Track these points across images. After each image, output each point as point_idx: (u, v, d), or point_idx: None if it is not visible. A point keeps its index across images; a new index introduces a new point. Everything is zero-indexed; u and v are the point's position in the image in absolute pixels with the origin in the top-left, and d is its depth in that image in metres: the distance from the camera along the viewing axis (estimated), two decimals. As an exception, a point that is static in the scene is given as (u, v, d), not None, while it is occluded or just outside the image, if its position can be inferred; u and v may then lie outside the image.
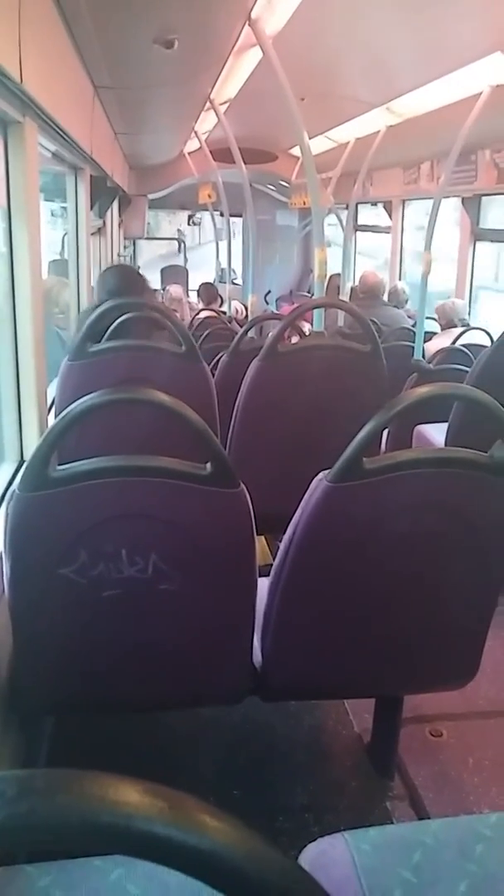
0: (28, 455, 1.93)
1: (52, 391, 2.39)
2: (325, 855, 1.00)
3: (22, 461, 2.14)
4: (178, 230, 10.31)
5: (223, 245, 6.95)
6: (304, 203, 5.24)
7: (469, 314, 4.83)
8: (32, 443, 2.11)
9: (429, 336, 4.38)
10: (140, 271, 3.17)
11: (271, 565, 1.43)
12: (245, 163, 4.49)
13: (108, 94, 3.55)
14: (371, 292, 5.24)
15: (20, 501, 1.22)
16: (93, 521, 1.24)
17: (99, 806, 0.37)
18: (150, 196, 7.67)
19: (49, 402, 2.36)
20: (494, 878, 0.95)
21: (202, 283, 7.18)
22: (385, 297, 5.49)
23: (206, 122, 5.26)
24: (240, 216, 7.89)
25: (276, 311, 7.51)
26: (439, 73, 3.29)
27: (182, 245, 10.17)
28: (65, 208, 3.72)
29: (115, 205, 5.79)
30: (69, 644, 1.34)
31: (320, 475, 1.33)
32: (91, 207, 3.88)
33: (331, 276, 6.20)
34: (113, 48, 2.80)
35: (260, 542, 2.56)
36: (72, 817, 0.36)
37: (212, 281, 7.52)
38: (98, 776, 0.38)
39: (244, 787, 1.71)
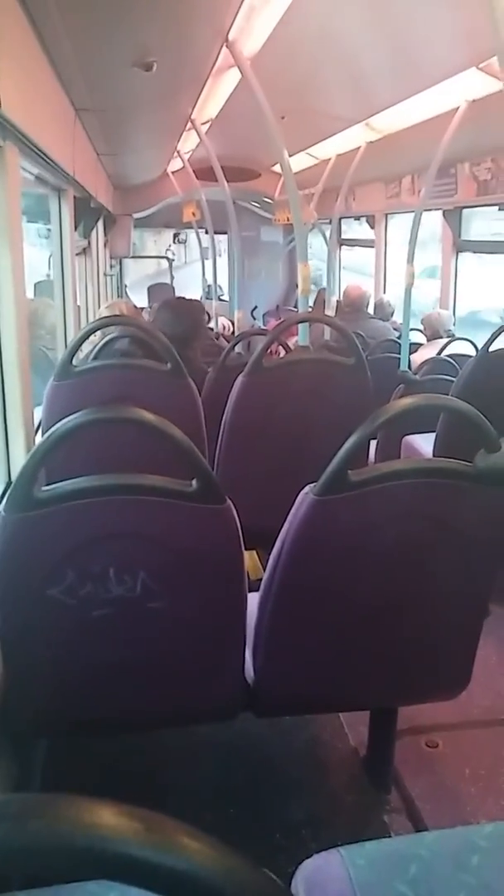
0: (14, 476, 1.93)
1: (39, 412, 2.39)
2: (321, 871, 0.99)
3: (9, 483, 2.13)
4: (169, 250, 10.35)
5: (209, 262, 7.00)
6: (288, 219, 5.26)
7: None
8: (19, 463, 2.11)
9: (415, 347, 4.41)
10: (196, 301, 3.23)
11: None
12: (228, 181, 4.53)
13: (89, 116, 3.58)
14: (354, 305, 5.27)
15: (7, 523, 1.22)
16: (79, 540, 1.24)
17: (73, 830, 0.36)
18: (135, 215, 7.71)
19: (36, 422, 2.36)
20: (490, 888, 0.95)
21: None
22: (371, 310, 5.52)
23: (189, 142, 5.30)
24: (225, 233, 7.95)
25: (262, 327, 7.54)
26: (416, 89, 3.34)
27: (170, 263, 10.22)
28: (50, 229, 3.73)
29: (100, 225, 5.82)
30: (59, 665, 1.33)
31: (306, 489, 1.33)
32: (75, 228, 3.89)
33: (319, 291, 6.25)
34: (92, 71, 2.83)
35: (251, 557, 2.55)
36: (45, 842, 0.36)
37: (198, 298, 7.56)
38: (73, 800, 0.37)
39: (240, 805, 1.69)
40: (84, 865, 0.36)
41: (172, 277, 9.93)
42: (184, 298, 3.48)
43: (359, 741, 1.88)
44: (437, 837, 1.04)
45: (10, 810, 0.37)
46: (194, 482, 1.25)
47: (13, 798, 0.38)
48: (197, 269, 8.67)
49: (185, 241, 9.98)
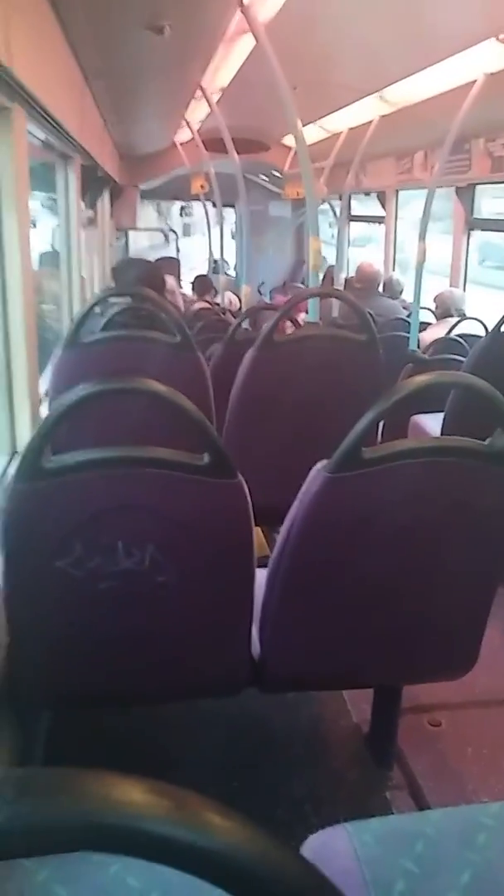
0: (20, 447, 1.91)
1: (43, 382, 2.37)
2: (327, 846, 0.99)
3: (14, 453, 2.12)
4: (166, 224, 10.23)
5: (216, 236, 6.92)
6: (298, 194, 5.20)
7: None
8: (25, 434, 2.09)
9: (424, 326, 4.37)
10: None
11: (268, 557, 1.42)
12: (237, 153, 4.45)
13: (99, 81, 3.51)
14: (367, 283, 5.21)
15: (14, 493, 1.20)
16: (88, 512, 1.22)
17: (103, 807, 0.35)
18: (142, 187, 7.61)
19: (41, 393, 2.34)
20: (497, 867, 0.95)
21: (198, 276, 7.15)
22: (380, 288, 5.46)
23: (198, 112, 5.21)
24: (232, 206, 7.84)
25: (269, 302, 7.48)
26: (433, 60, 3.27)
27: (173, 235, 10.12)
28: (54, 199, 3.68)
29: (106, 195, 5.75)
30: (66, 637, 1.33)
31: (318, 465, 1.31)
32: (82, 198, 3.84)
33: (328, 268, 6.18)
34: (103, 34, 2.77)
35: (257, 534, 2.54)
36: (75, 819, 0.34)
37: (205, 273, 7.50)
38: (100, 775, 0.36)
39: (243, 779, 1.70)
40: (114, 844, 0.35)
41: (178, 250, 9.83)
42: (135, 258, 3.38)
43: (362, 718, 1.89)
44: (442, 815, 1.04)
45: (38, 785, 0.35)
46: (206, 456, 1.24)
47: (39, 772, 0.36)
48: (195, 242, 8.56)
49: (192, 213, 9.88)
